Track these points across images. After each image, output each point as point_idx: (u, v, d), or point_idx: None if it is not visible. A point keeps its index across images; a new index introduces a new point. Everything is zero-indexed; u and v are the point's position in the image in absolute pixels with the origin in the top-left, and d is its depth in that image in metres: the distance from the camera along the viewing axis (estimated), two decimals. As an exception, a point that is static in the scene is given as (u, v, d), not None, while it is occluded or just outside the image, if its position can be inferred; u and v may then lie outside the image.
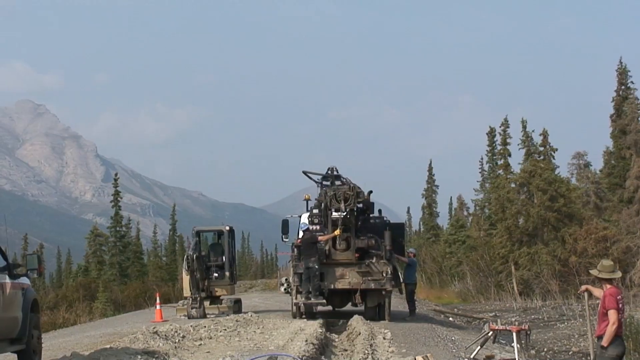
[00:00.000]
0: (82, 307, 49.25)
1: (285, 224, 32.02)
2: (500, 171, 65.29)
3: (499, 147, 66.95)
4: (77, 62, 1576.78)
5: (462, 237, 71.08)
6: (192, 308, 27.54)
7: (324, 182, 26.91)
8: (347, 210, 24.75)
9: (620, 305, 11.81)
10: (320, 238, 25.47)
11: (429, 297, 59.25)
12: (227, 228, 31.48)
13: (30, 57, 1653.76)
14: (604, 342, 11.69)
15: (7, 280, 13.49)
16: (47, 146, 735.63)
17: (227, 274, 30.59)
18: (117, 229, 73.37)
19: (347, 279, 25.54)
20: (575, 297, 39.48)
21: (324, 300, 26.09)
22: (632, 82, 58.00)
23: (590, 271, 12.53)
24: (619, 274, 12.26)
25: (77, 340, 21.85)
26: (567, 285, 45.13)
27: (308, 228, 26.28)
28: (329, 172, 27.05)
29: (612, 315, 11.66)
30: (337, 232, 25.26)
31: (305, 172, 27.64)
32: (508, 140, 64.83)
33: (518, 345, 17.22)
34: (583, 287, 13.26)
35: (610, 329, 11.64)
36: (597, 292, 12.65)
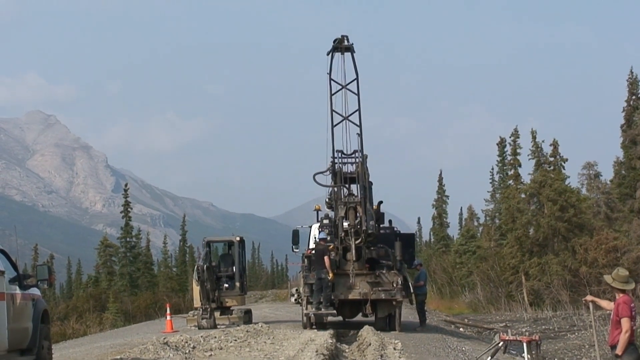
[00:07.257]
0: (93, 318, 49.22)
1: (295, 235, 31.96)
2: (511, 181, 65.20)
3: (509, 158, 66.90)
4: (89, 73, 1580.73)
5: (472, 248, 71.05)
6: (202, 319, 27.53)
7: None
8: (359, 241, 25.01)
9: (633, 313, 11.76)
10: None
11: (439, 308, 59.16)
12: (238, 238, 31.44)
13: (42, 69, 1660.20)
14: (618, 350, 11.63)
15: (18, 291, 13.54)
16: (58, 157, 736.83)
17: (238, 284, 30.56)
18: (128, 239, 73.36)
19: (358, 289, 25.48)
20: (585, 308, 39.42)
21: (335, 311, 26.07)
22: (643, 92, 58.06)
23: (605, 276, 12.45)
24: (632, 285, 12.13)
25: (87, 350, 21.86)
26: (577, 295, 44.99)
27: (325, 238, 26.06)
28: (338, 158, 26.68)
29: (626, 323, 11.59)
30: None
31: (315, 179, 27.12)
32: (518, 151, 64.74)
33: (529, 356, 17.20)
34: (588, 297, 13.19)
35: (624, 337, 11.58)
36: (604, 303, 12.59)
